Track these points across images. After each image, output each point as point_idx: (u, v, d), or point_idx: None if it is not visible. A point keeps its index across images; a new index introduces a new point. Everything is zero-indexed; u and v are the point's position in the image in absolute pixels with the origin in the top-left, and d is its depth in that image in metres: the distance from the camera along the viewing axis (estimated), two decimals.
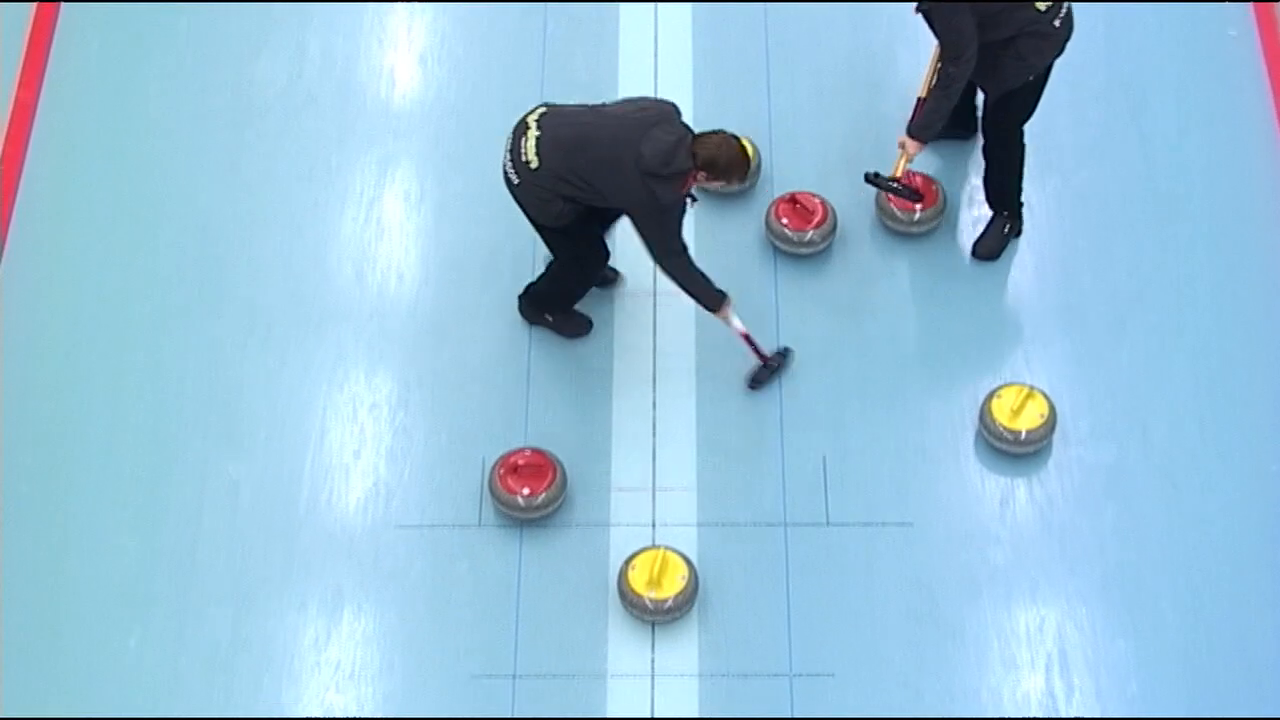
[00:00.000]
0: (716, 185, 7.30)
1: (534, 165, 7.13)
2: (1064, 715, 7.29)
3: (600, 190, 7.13)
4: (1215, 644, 7.48)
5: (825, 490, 7.91)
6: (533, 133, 7.15)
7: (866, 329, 8.37)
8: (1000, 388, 7.99)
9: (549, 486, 7.65)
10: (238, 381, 8.27)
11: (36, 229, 8.71)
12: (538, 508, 7.66)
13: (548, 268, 7.87)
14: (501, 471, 7.68)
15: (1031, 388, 7.95)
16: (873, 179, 7.97)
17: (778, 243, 8.21)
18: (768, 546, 7.72)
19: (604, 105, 7.35)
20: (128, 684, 7.41)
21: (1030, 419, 7.89)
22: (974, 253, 8.37)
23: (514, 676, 7.40)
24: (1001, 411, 7.89)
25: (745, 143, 7.29)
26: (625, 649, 7.48)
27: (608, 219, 7.59)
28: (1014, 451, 7.93)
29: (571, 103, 7.43)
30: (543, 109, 7.29)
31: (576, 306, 8.01)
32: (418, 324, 8.44)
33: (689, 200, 7.19)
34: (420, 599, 7.66)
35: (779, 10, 9.08)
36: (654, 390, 8.02)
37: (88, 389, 8.27)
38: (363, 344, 8.38)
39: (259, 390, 8.24)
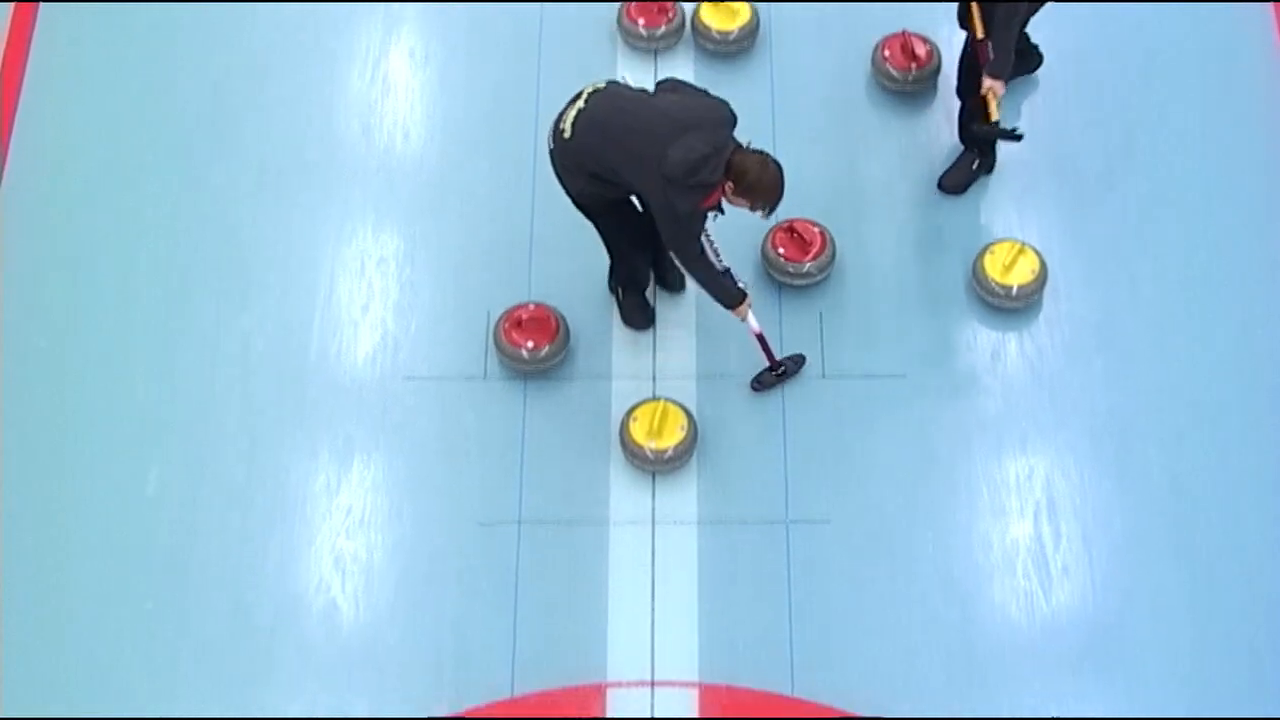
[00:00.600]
0: (743, 204, 6.51)
1: (567, 136, 6.60)
2: (1051, 560, 7.10)
3: (624, 181, 6.62)
4: (1198, 488, 7.35)
5: (821, 344, 7.66)
6: (578, 105, 6.61)
7: (862, 181, 7.99)
8: (992, 244, 7.76)
9: (552, 340, 7.44)
10: (249, 237, 8.01)
11: (48, 87, 8.41)
12: (541, 360, 7.45)
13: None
14: (506, 325, 7.46)
15: (1023, 244, 7.73)
16: (979, 130, 7.54)
17: (773, 272, 7.61)
18: (765, 396, 7.48)
19: (660, 93, 6.73)
20: (148, 523, 7.31)
21: (1021, 274, 7.68)
22: (940, 185, 7.99)
23: (519, 523, 7.22)
24: (994, 267, 7.67)
25: None
26: (627, 497, 7.29)
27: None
28: (1006, 306, 7.72)
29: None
30: (601, 84, 6.76)
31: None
32: (424, 181, 8.16)
33: (713, 213, 6.57)
34: (428, 448, 7.45)
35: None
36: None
37: (100, 245, 8.04)
38: (370, 200, 8.10)
39: (269, 245, 7.99)
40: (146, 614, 7.06)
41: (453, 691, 6.85)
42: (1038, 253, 7.69)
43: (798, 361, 7.39)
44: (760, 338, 7.13)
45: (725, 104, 6.55)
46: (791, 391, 7.53)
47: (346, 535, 7.28)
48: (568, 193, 6.76)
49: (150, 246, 7.99)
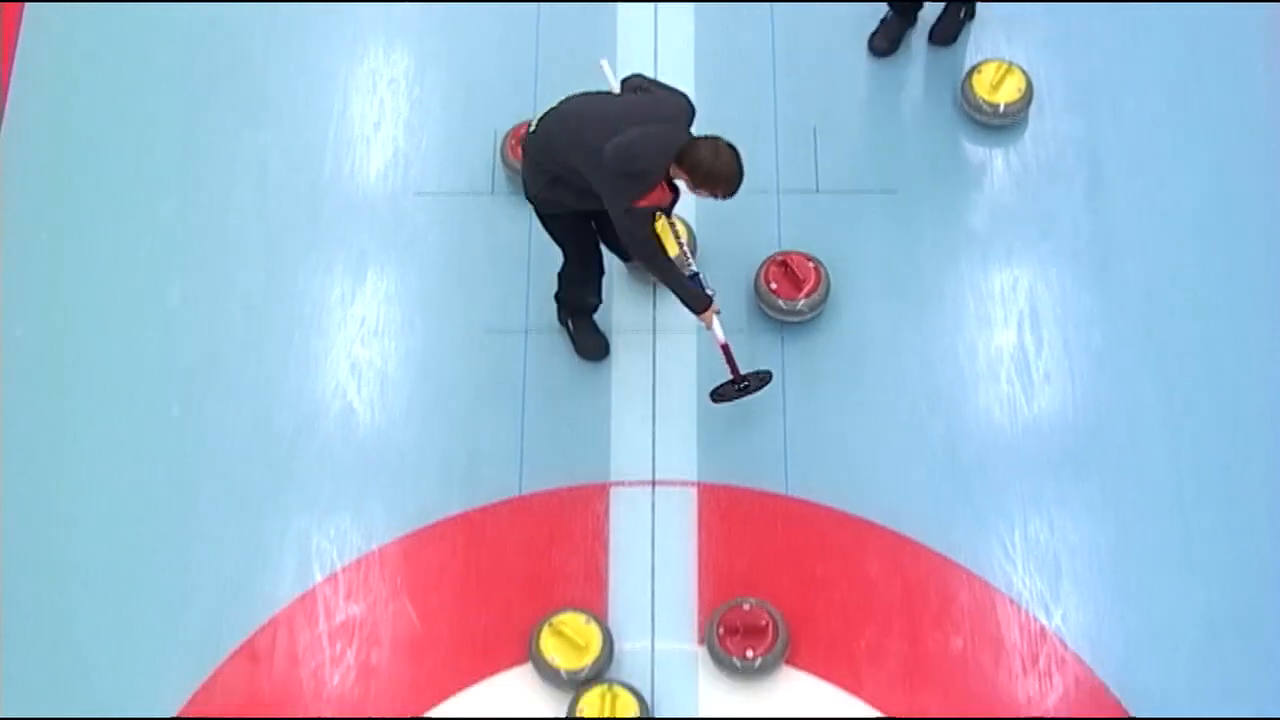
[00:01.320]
0: (705, 193, 5.97)
1: (532, 129, 6.08)
2: (1033, 367, 6.92)
3: (581, 180, 6.00)
4: (1175, 301, 7.16)
5: (815, 159, 7.40)
6: (550, 107, 6.08)
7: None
8: (981, 63, 7.43)
9: None
10: (263, 56, 7.68)
11: None
12: None
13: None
14: (513, 142, 7.08)
15: (1010, 63, 7.41)
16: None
17: (766, 309, 6.99)
18: (761, 210, 7.23)
19: (625, 91, 6.16)
20: (171, 333, 7.14)
21: (1008, 93, 7.38)
22: (930, 38, 7.57)
23: (526, 332, 7.02)
24: (981, 86, 7.36)
25: None
26: (629, 306, 7.13)
27: (606, 230, 6.36)
28: (992, 124, 7.41)
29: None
30: (581, 94, 6.13)
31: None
32: (433, 2, 7.77)
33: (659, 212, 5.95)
34: (438, 261, 7.22)
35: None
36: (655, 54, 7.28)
37: (119, 68, 7.76)
38: (380, 20, 7.76)
39: (284, 66, 7.67)
40: (173, 420, 6.87)
41: (463, 491, 6.66)
42: (1024, 72, 7.35)
43: (762, 378, 6.66)
44: (725, 348, 6.42)
45: (683, 99, 6.02)
46: (786, 205, 7.29)
47: (361, 344, 7.06)
48: (530, 197, 6.24)
49: (168, 69, 7.66)
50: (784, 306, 6.86)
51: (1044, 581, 6.50)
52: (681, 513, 6.57)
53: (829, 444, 6.77)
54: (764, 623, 6.19)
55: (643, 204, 5.80)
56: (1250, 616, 6.44)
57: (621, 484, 6.43)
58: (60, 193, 7.35)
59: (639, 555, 6.51)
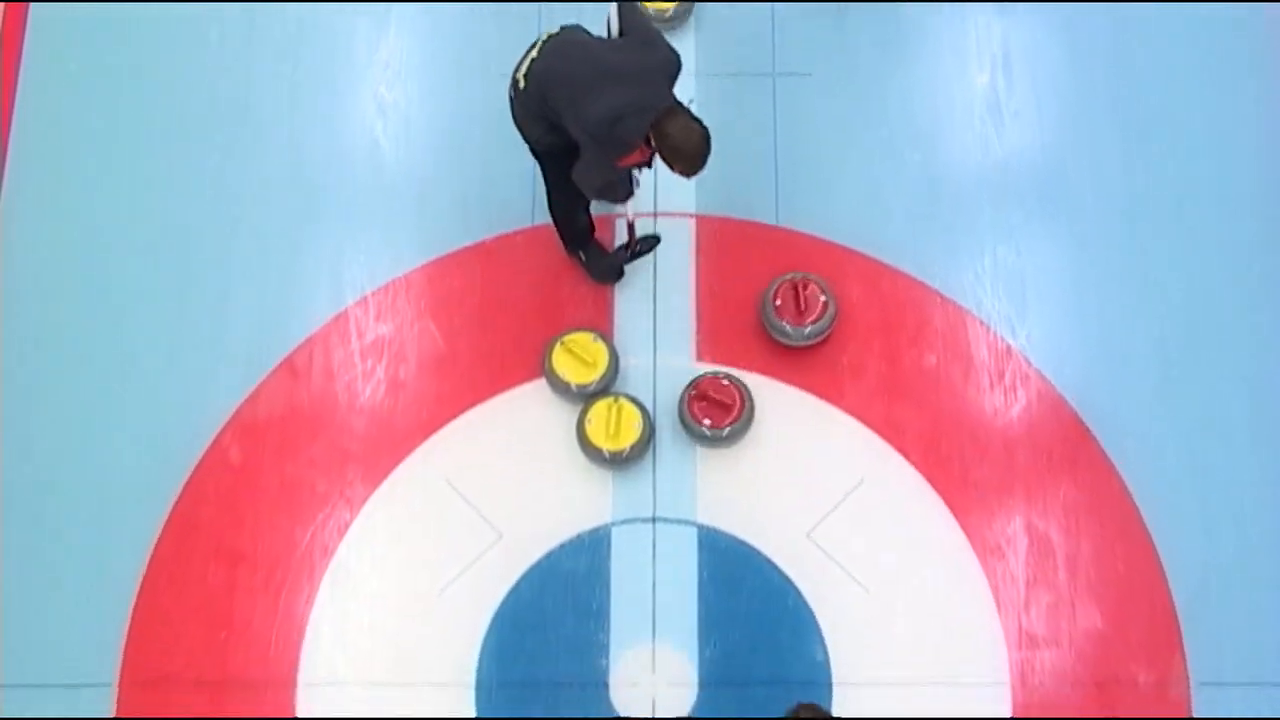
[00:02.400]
0: (672, 167, 5.18)
1: (523, 87, 5.28)
2: (1004, 107, 6.48)
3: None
4: (1140, 54, 6.62)
5: None
6: (532, 55, 5.27)
7: None
8: None
9: None
10: None
11: None
12: None
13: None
14: None
15: None
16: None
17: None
18: None
19: (610, 39, 5.35)
20: (211, 72, 6.59)
21: None
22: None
23: None
24: None
25: None
26: None
27: None
28: None
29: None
30: (556, 30, 5.34)
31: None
32: None
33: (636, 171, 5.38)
34: (459, 9, 6.70)
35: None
36: None
37: None
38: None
39: None
40: (216, 146, 6.40)
41: (481, 221, 6.28)
42: None
43: (650, 243, 6.09)
44: (631, 225, 5.88)
45: (671, 55, 5.18)
46: None
47: (386, 86, 6.55)
48: (527, 140, 5.47)
49: None
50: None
51: (1010, 304, 6.17)
52: (681, 241, 6.19)
53: (816, 178, 6.33)
54: (731, 400, 5.80)
55: (622, 164, 5.20)
56: (1199, 336, 6.15)
57: (625, 215, 5.91)
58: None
59: (642, 279, 6.16)
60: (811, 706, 4.21)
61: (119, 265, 6.22)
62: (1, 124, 6.37)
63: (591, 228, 5.99)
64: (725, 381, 5.84)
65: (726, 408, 5.80)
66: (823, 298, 5.95)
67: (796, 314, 5.93)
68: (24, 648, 5.68)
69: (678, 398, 5.89)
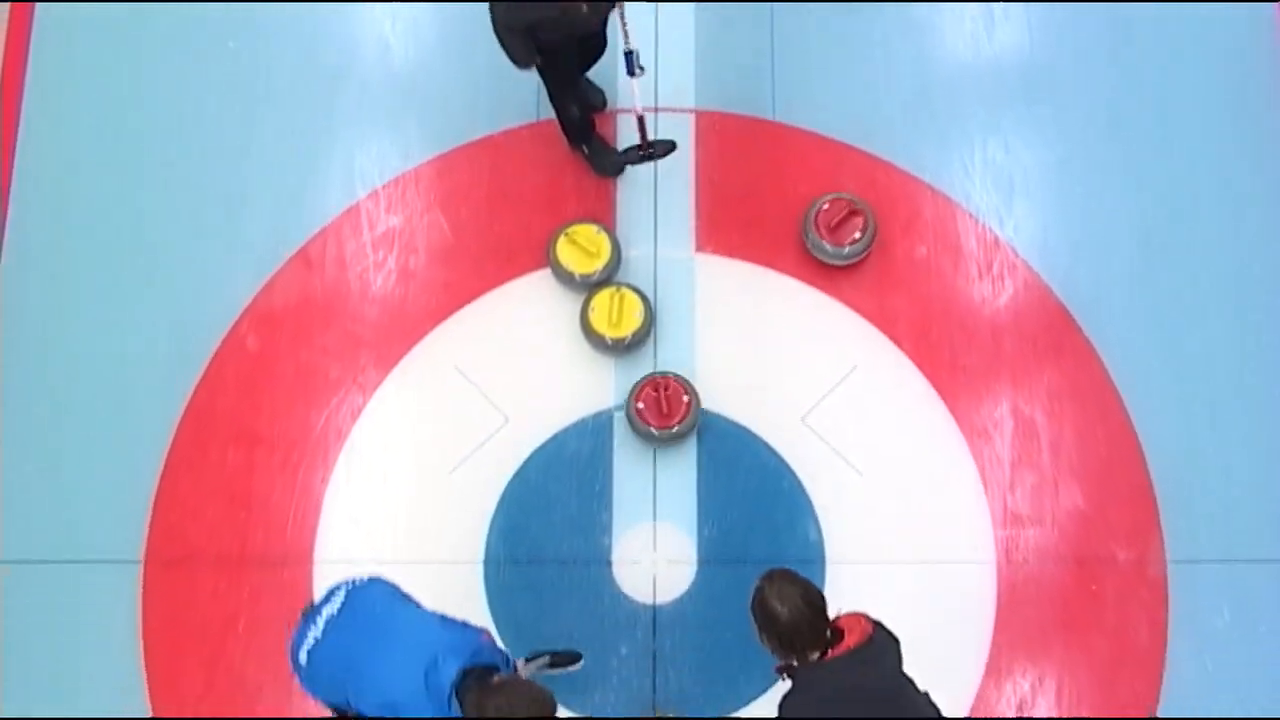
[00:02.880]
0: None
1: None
2: (994, 7, 6.17)
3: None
4: None
5: None
6: None
7: None
8: None
9: None
10: None
11: None
12: None
13: None
14: None
15: None
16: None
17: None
18: None
19: None
20: None
21: None
22: None
23: None
24: None
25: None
26: None
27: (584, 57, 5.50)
28: None
29: None
30: None
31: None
32: None
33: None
34: None
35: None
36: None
37: None
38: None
39: None
40: (230, 52, 6.12)
41: (488, 117, 6.04)
42: None
43: (668, 147, 5.75)
44: (641, 119, 5.54)
45: None
46: None
47: None
48: (529, 67, 5.16)
49: None
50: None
51: (998, 197, 5.97)
52: (680, 136, 5.91)
53: (812, 74, 6.08)
54: (683, 397, 5.51)
55: None
56: (1180, 228, 5.94)
57: (629, 111, 5.70)
58: None
59: (643, 173, 5.92)
60: (784, 571, 4.08)
61: (138, 162, 5.99)
62: (22, 22, 6.00)
63: (589, 123, 5.77)
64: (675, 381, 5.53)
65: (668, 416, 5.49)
66: (864, 218, 5.71)
67: (837, 233, 5.66)
68: (54, 526, 5.57)
69: (683, 273, 5.77)
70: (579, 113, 5.63)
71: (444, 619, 4.29)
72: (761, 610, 3.97)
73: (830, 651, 3.98)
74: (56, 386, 5.69)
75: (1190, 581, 5.48)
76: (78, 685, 5.37)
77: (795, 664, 4.01)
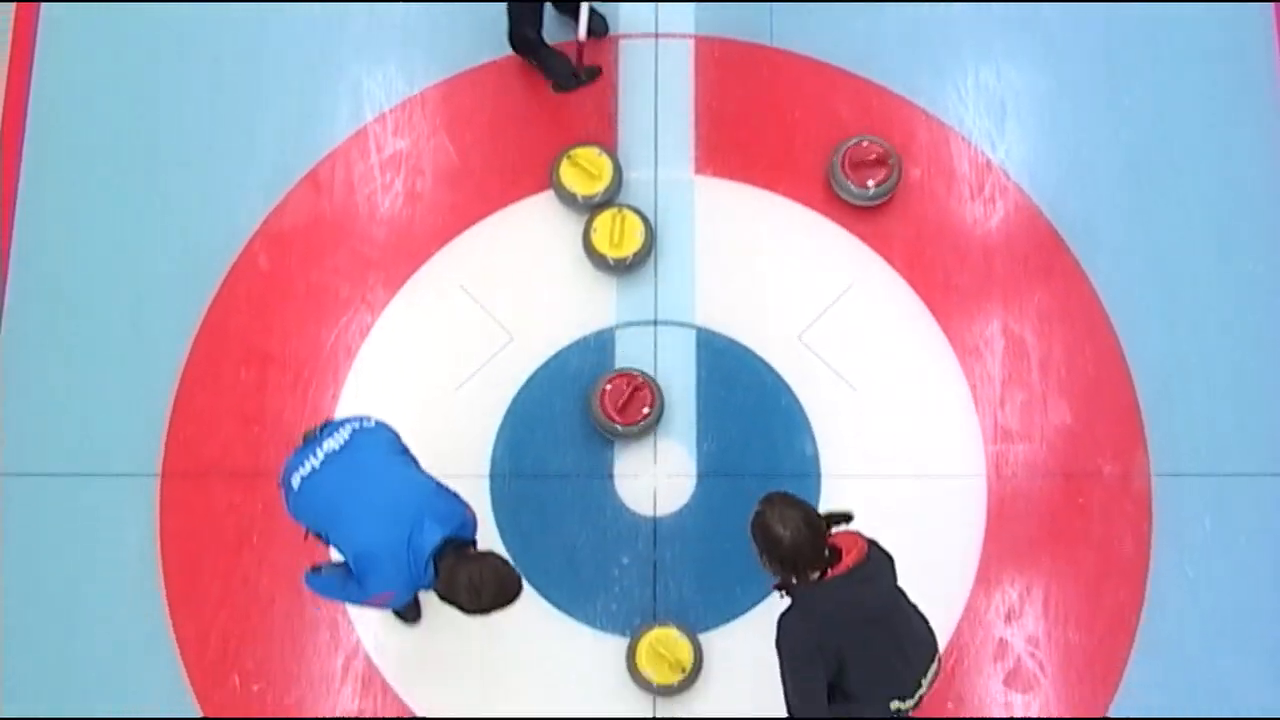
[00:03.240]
0: None
1: None
2: None
3: None
4: None
5: None
6: None
7: None
8: None
9: None
10: None
11: None
12: None
13: None
14: None
15: None
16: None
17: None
18: None
19: None
20: None
21: None
22: None
23: None
24: None
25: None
26: None
27: None
28: None
29: None
30: None
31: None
32: None
33: None
34: None
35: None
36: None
37: None
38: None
39: None
40: None
41: (493, 41, 5.76)
42: None
43: (593, 73, 5.72)
44: (580, 46, 5.48)
45: None
46: None
47: None
48: None
49: None
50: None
51: (991, 121, 5.83)
52: (680, 62, 5.79)
53: (810, 2, 5.88)
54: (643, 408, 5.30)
55: None
56: (1166, 152, 5.80)
57: (629, 36, 5.63)
58: None
59: (644, 98, 5.78)
60: (783, 494, 3.99)
61: (152, 86, 5.83)
62: None
63: (537, 34, 5.52)
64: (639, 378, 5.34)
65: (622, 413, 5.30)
66: (890, 160, 5.56)
67: (861, 174, 5.50)
68: (73, 441, 5.46)
69: (683, 195, 5.54)
70: (534, 34, 5.46)
71: (438, 485, 4.26)
72: (763, 534, 3.89)
73: (830, 570, 3.91)
74: (75, 305, 5.58)
75: (1173, 494, 5.39)
76: (96, 596, 5.29)
77: (795, 581, 3.91)
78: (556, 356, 5.48)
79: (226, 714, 5.18)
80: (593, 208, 5.54)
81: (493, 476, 5.38)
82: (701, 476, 5.38)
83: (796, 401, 5.42)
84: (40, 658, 5.23)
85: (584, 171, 5.54)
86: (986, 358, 5.49)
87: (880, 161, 5.51)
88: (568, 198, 5.56)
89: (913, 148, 5.71)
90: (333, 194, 5.68)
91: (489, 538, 5.23)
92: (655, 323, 5.52)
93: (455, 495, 4.31)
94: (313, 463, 4.24)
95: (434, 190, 5.68)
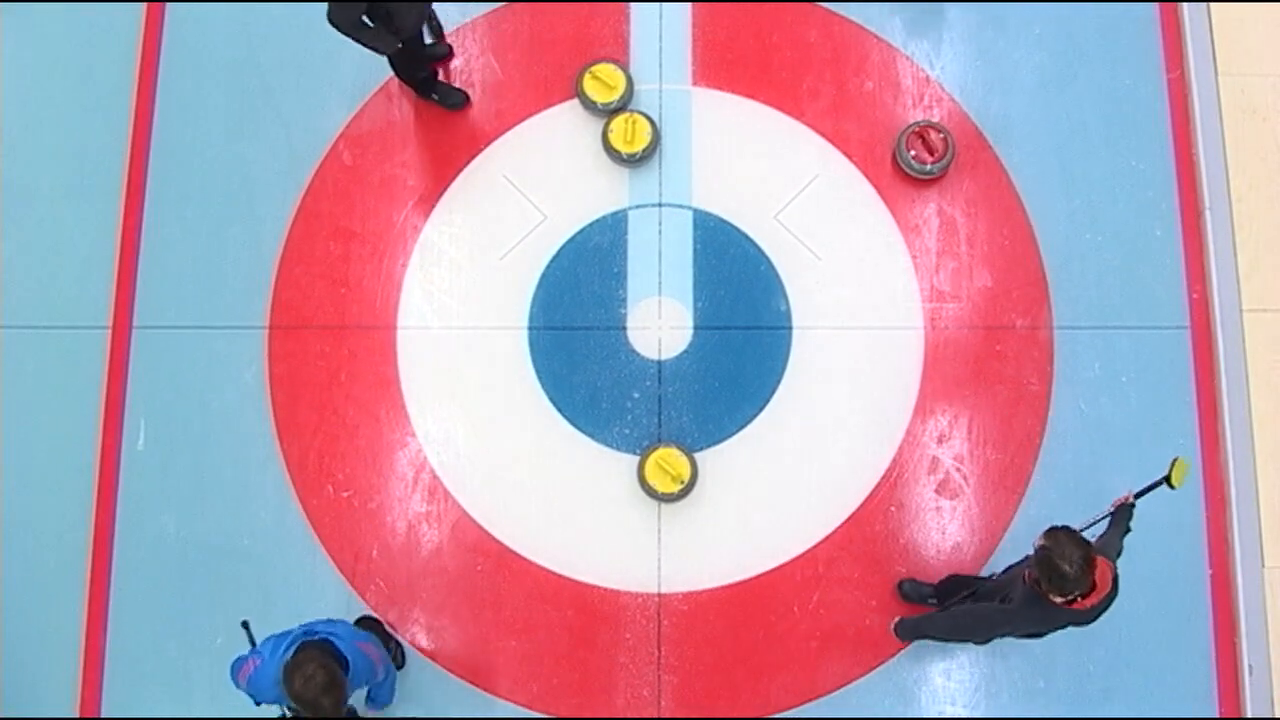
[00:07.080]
0: None
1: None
2: None
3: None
4: None
5: None
6: None
7: None
8: None
9: None
10: None
11: None
12: None
13: None
14: None
15: None
16: None
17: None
18: None
19: None
20: None
21: None
22: None
23: None
24: None
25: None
26: None
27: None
28: None
29: None
30: None
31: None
32: None
33: None
34: None
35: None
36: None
37: None
38: None
39: None
40: None
41: None
42: None
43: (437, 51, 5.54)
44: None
45: None
46: None
47: None
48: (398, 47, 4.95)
49: None
50: None
51: (930, 45, 5.81)
52: None
53: None
54: None
55: None
56: (1071, 67, 5.81)
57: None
58: None
59: (651, 19, 5.80)
60: (1066, 532, 3.72)
61: (264, 20, 5.86)
62: None
63: (432, 77, 5.53)
64: None
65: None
66: (946, 141, 5.54)
67: (927, 153, 5.52)
68: (198, 299, 5.56)
69: (683, 103, 5.59)
70: (424, 73, 5.44)
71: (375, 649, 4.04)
72: (1048, 566, 3.68)
73: (1080, 601, 3.75)
74: (204, 185, 5.62)
75: (1070, 343, 5.48)
76: (221, 427, 5.37)
77: (1042, 587, 3.76)
78: (581, 232, 5.57)
79: (323, 516, 5.29)
80: (610, 113, 5.61)
81: (530, 329, 5.49)
82: (697, 328, 5.49)
83: (773, 268, 5.52)
84: (175, 481, 5.35)
85: (602, 83, 5.60)
86: (925, 234, 5.57)
87: (937, 140, 5.49)
88: (589, 104, 5.62)
89: (866, 65, 5.77)
90: (401, 103, 5.73)
91: (527, 380, 5.33)
92: (660, 205, 5.61)
93: (385, 664, 4.08)
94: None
95: (481, 99, 5.74)
